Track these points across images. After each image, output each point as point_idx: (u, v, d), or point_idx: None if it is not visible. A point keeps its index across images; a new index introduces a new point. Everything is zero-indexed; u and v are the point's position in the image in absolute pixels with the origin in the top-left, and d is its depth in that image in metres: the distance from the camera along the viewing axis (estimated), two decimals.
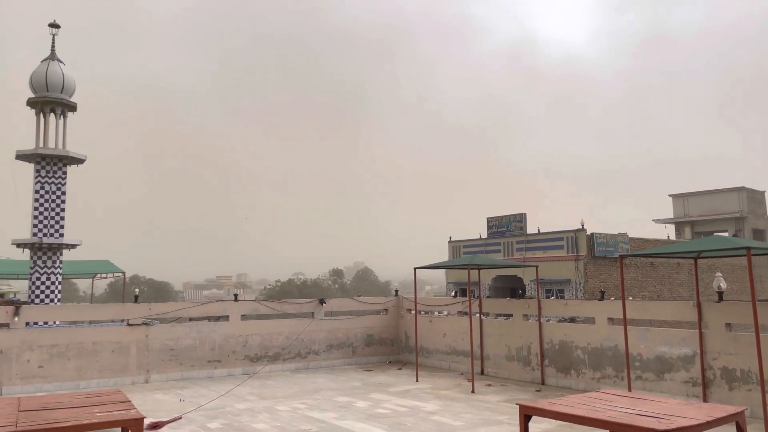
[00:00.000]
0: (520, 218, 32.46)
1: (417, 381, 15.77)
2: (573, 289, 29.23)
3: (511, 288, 32.40)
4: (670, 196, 45.56)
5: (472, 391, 14.13)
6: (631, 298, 23.26)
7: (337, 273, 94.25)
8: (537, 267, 17.36)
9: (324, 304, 19.15)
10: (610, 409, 7.93)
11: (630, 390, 11.53)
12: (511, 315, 16.85)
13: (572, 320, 16.46)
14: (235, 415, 11.86)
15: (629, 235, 31.46)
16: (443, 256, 37.03)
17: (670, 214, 45.02)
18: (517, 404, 8.39)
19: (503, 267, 25.16)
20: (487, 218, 34.18)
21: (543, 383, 15.23)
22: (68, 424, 8.40)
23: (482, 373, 16.73)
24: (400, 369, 18.13)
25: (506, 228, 32.91)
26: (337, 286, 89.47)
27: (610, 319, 14.23)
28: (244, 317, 17.93)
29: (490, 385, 15.16)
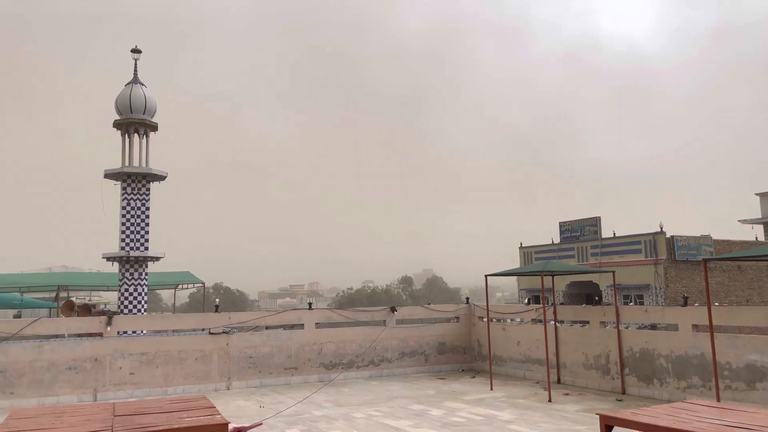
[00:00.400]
0: (594, 222, 31.53)
1: (491, 389, 15.62)
2: (653, 295, 28.06)
3: (587, 294, 31.47)
4: (757, 194, 42.95)
5: (549, 400, 13.86)
6: (717, 304, 22.10)
7: (406, 281, 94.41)
8: (614, 272, 16.82)
9: (395, 312, 19.29)
10: (698, 421, 7.60)
11: (718, 400, 10.99)
12: (587, 322, 16.41)
13: (653, 327, 15.84)
14: (313, 422, 12.16)
15: (713, 237, 29.92)
16: (513, 263, 36.43)
17: (758, 214, 42.41)
18: (597, 414, 8.20)
19: (578, 273, 24.55)
20: (560, 223, 33.40)
21: (623, 392, 14.73)
22: (160, 428, 8.89)
23: (558, 381, 16.36)
24: (474, 377, 18.00)
25: (579, 232, 32.05)
26: (406, 294, 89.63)
27: (695, 326, 13.60)
28: (318, 325, 18.34)
29: (567, 394, 14.81)
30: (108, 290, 37.46)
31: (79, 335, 16.22)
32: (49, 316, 26.76)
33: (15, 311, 34.12)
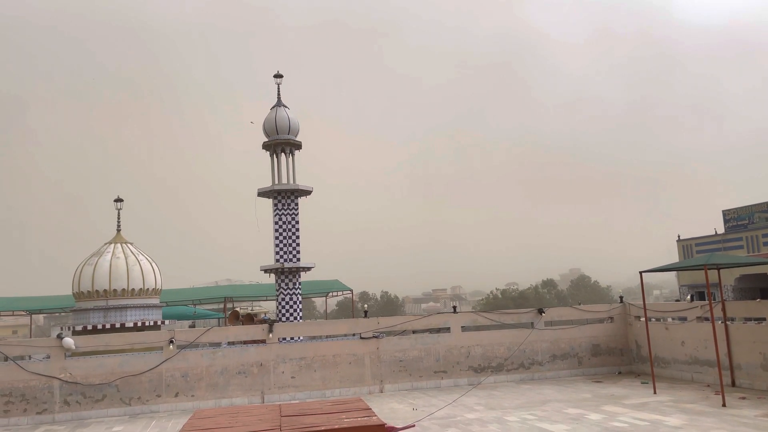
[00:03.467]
0: (766, 208, 28.33)
1: (655, 393, 14.62)
2: None
3: (761, 288, 28.30)
4: None
5: (723, 405, 12.68)
6: None
7: (549, 283, 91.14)
8: None
9: (543, 314, 18.76)
10: None
11: None
12: (764, 318, 14.80)
13: None
14: (466, 425, 12.21)
15: None
16: (671, 258, 33.73)
17: None
18: None
19: (750, 265, 22.16)
20: (723, 211, 30.45)
21: None
22: (322, 428, 9.47)
23: (733, 384, 14.91)
24: (645, 383, 16.62)
25: (748, 220, 28.97)
26: (551, 295, 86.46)
27: None
28: (464, 329, 18.36)
29: (744, 398, 13.45)
30: (267, 300, 40.48)
31: (245, 342, 17.70)
32: (218, 326, 29.43)
33: (190, 322, 37.98)
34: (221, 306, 38.48)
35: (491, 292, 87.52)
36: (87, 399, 15.65)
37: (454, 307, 19.99)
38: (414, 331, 18.36)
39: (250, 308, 44.03)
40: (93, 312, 21.52)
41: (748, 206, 29.29)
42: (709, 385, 15.19)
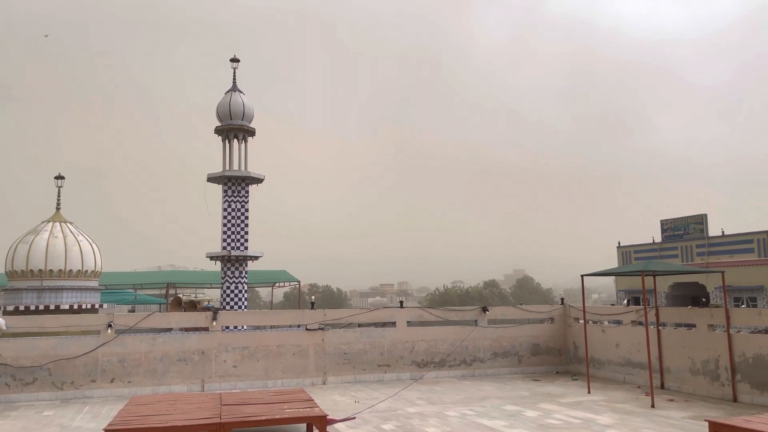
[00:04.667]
0: (700, 220, 29.74)
1: (589, 392, 15.14)
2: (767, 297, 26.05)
3: (692, 296, 29.71)
4: None
5: (652, 406, 13.25)
6: None
7: (492, 284, 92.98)
8: (723, 273, 15.80)
9: (487, 312, 19.13)
10: None
11: None
12: (693, 325, 15.53)
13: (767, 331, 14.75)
14: (406, 418, 12.34)
15: None
16: (610, 263, 35.01)
17: None
18: (705, 420, 7.81)
19: (683, 273, 23.21)
20: (661, 221, 31.79)
21: (735, 400, 13.82)
22: (263, 418, 9.43)
23: (662, 387, 15.60)
24: (576, 379, 17.42)
25: (684, 231, 30.32)
26: (495, 294, 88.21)
27: None
28: (409, 324, 18.53)
29: (672, 400, 14.10)
30: (211, 287, 39.72)
31: (187, 329, 17.35)
32: (159, 312, 28.73)
33: (129, 306, 36.89)
34: (163, 292, 37.53)
35: (437, 289, 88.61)
36: (17, 382, 15.02)
37: (401, 302, 20.15)
38: (359, 325, 18.40)
39: (193, 295, 43.14)
40: (26, 292, 20.64)
41: (684, 218, 30.66)
42: (639, 387, 15.84)
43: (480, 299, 72.74)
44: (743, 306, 26.15)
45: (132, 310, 35.27)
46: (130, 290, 37.55)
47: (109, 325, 15.85)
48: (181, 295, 34.35)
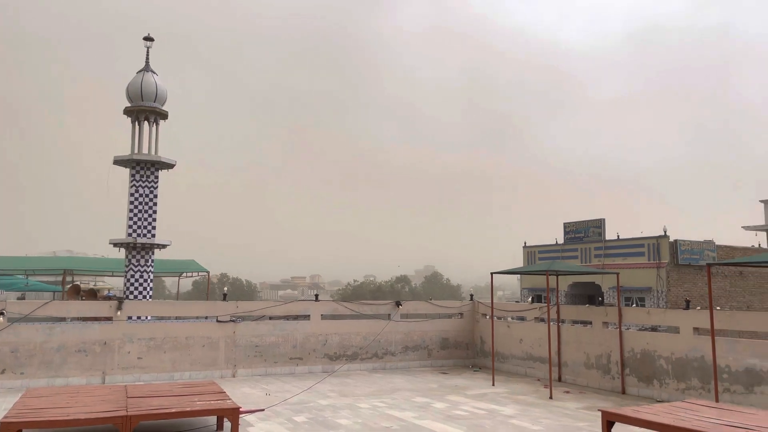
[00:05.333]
0: (599, 224, 31.72)
1: (493, 385, 15.84)
2: (654, 298, 28.26)
3: (589, 295, 31.69)
4: (761, 201, 43.03)
5: (550, 397, 14.07)
6: (718, 308, 22.30)
7: (403, 279, 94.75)
8: (618, 274, 17.02)
9: (400, 307, 19.52)
10: (698, 419, 7.82)
11: (717, 402, 11.19)
12: (590, 322, 16.61)
13: (654, 329, 16.04)
14: (318, 410, 12.40)
15: (716, 243, 30.09)
16: (516, 261, 36.66)
17: (762, 221, 42.51)
18: (599, 410, 8.42)
19: (583, 273, 24.73)
20: (564, 223, 33.60)
21: (623, 392, 14.94)
22: (173, 410, 9.17)
23: (559, 380, 16.58)
24: (477, 370, 18.25)
25: (584, 234, 32.24)
26: (407, 289, 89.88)
27: (696, 329, 13.80)
28: (323, 317, 18.57)
29: (568, 392, 15.03)
30: (113, 276, 37.78)
31: (87, 319, 16.48)
32: (54, 299, 27.05)
33: (18, 294, 34.44)
34: (59, 279, 35.30)
35: (349, 283, 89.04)
36: None
37: (316, 296, 20.16)
38: (270, 317, 18.22)
39: (93, 283, 40.87)
40: None
41: (584, 221, 32.59)
42: (539, 380, 16.75)
43: (392, 294, 73.78)
44: (633, 305, 28.22)
45: (22, 298, 32.99)
46: (21, 276, 35.03)
47: (1, 313, 14.78)
48: (79, 283, 32.51)
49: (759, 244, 37.76)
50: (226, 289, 19.11)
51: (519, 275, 35.02)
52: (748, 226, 43.08)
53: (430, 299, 23.44)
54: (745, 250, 32.05)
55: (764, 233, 42.17)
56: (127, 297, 21.90)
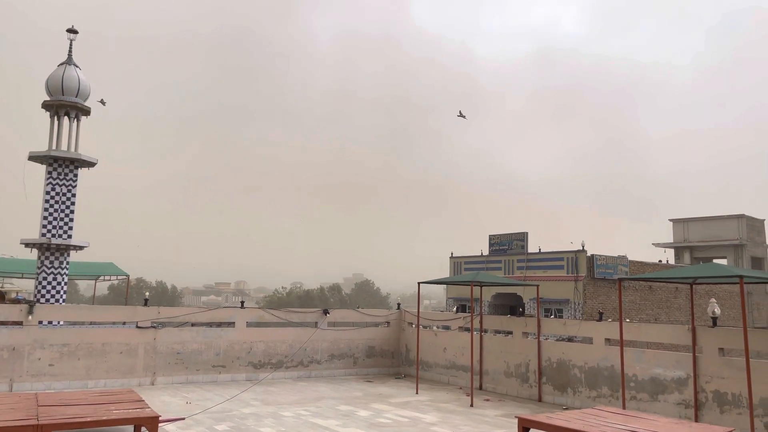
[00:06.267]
0: (522, 237, 32.88)
1: (417, 393, 16.12)
2: (572, 310, 29.57)
3: (511, 306, 32.75)
4: (670, 220, 46.01)
5: (471, 405, 14.49)
6: (628, 320, 23.61)
7: (335, 288, 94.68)
8: (538, 286, 17.77)
9: (328, 315, 19.53)
10: (605, 425, 8.33)
11: (624, 409, 11.89)
12: (511, 332, 17.23)
13: (570, 340, 16.83)
14: (241, 419, 12.23)
15: (629, 258, 31.87)
16: (443, 272, 37.39)
17: (671, 239, 45.44)
18: (516, 417, 8.79)
19: (505, 285, 25.53)
20: (489, 236, 34.61)
21: (540, 400, 15.58)
22: (88, 419, 8.81)
23: (481, 388, 17.08)
24: (400, 378, 18.51)
25: (508, 246, 33.32)
26: (335, 298, 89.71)
27: (608, 340, 14.61)
28: (248, 324, 18.32)
29: (488, 399, 15.51)
30: (23, 277, 35.66)
31: None
32: None
33: None
34: None
35: (276, 290, 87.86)
36: None
37: (242, 303, 19.84)
38: (193, 324, 17.79)
39: (0, 285, 38.41)
40: None
41: (508, 234, 33.72)
42: (461, 388, 17.19)
43: (321, 302, 73.46)
44: (552, 317, 29.42)
45: None
46: None
47: None
48: None
49: (667, 261, 40.33)
50: (147, 294, 18.49)
51: (445, 285, 35.77)
52: (657, 243, 45.96)
53: (358, 307, 23.55)
54: (654, 266, 34.13)
55: (672, 250, 45.14)
56: (38, 300, 20.77)
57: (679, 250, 44.91)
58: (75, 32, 24.11)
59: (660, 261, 38.21)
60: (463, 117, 31.83)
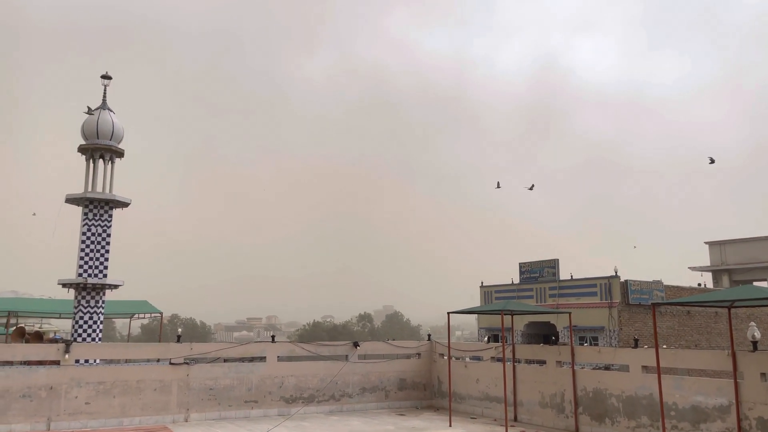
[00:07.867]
0: (553, 264, 32.42)
1: (450, 426, 15.86)
2: (607, 337, 28.88)
3: (544, 335, 32.13)
4: (706, 243, 44.87)
5: None
6: (665, 347, 22.97)
7: (365, 317, 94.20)
8: (570, 314, 17.45)
9: (358, 347, 19.45)
10: None
11: None
12: (544, 362, 16.91)
13: (606, 368, 16.43)
14: None
15: (664, 283, 31.11)
16: (474, 301, 36.96)
17: (707, 262, 44.25)
18: None
19: (537, 313, 25.16)
20: (519, 263, 34.21)
21: (577, 431, 15.17)
22: None
23: (515, 419, 16.72)
24: (436, 411, 18.20)
25: (539, 274, 32.87)
26: (366, 329, 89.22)
27: (645, 367, 14.22)
28: (279, 359, 18.35)
29: (523, 431, 15.16)
30: (60, 318, 36.38)
31: (32, 362, 15.86)
32: None
33: None
34: (3, 321, 33.78)
35: (307, 324, 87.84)
36: None
37: (273, 337, 19.92)
38: (225, 360, 17.89)
39: (38, 325, 39.21)
40: None
41: (539, 261, 33.28)
42: (495, 420, 16.86)
43: (350, 334, 73.10)
44: (586, 345, 28.76)
45: None
46: None
47: None
48: (24, 325, 31.16)
49: (705, 285, 39.22)
50: (180, 330, 18.70)
51: (477, 315, 35.34)
52: (694, 267, 44.79)
53: (388, 339, 23.41)
54: (691, 290, 33.22)
55: (710, 274, 43.90)
56: (75, 339, 21.15)
57: (717, 274, 43.63)
58: (109, 78, 25.03)
59: (699, 285, 37.20)
60: (531, 189, 32.82)
